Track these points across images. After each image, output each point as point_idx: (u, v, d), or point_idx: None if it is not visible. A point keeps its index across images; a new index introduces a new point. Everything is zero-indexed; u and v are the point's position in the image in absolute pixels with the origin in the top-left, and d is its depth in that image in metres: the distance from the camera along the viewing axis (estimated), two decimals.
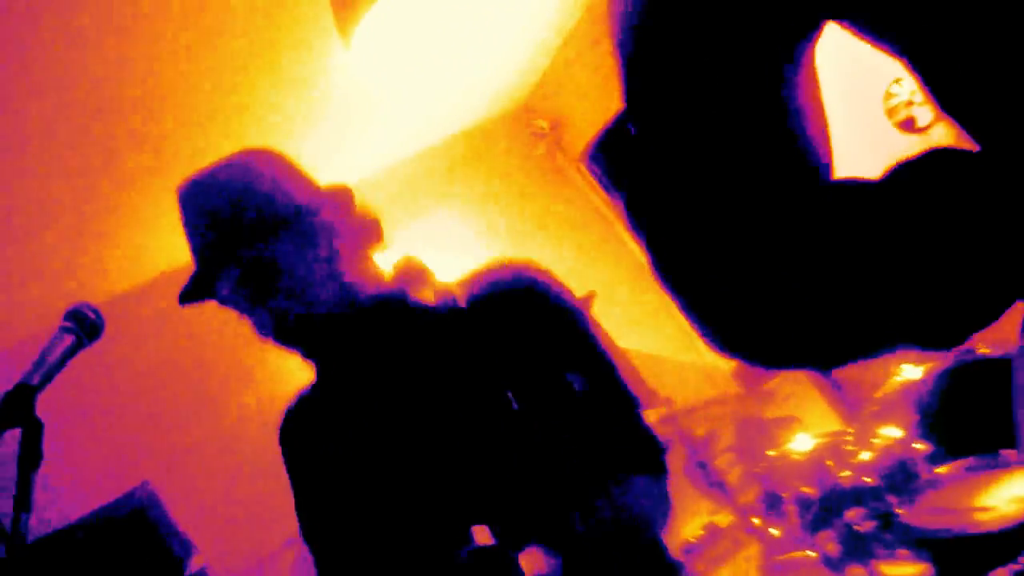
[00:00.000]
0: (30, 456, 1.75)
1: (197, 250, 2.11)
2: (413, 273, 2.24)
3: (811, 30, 1.04)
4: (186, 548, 4.32)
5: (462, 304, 2.16)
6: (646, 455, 2.11)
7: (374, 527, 2.10)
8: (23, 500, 1.70)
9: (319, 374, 2.22)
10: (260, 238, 2.07)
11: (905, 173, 1.04)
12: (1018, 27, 0.96)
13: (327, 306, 2.11)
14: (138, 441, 4.45)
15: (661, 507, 2.04)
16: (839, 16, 1.02)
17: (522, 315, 2.11)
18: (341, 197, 2.19)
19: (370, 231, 2.23)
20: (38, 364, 1.81)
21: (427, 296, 2.14)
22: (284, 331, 2.11)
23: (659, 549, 2.07)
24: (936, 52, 1.03)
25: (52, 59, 3.32)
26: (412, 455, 2.08)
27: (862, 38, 1.03)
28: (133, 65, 3.58)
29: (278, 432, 2.22)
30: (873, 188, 1.03)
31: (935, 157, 1.05)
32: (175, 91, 3.91)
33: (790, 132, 1.07)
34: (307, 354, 2.19)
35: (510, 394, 2.02)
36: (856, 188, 1.06)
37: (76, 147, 3.72)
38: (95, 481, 4.31)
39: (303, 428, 2.21)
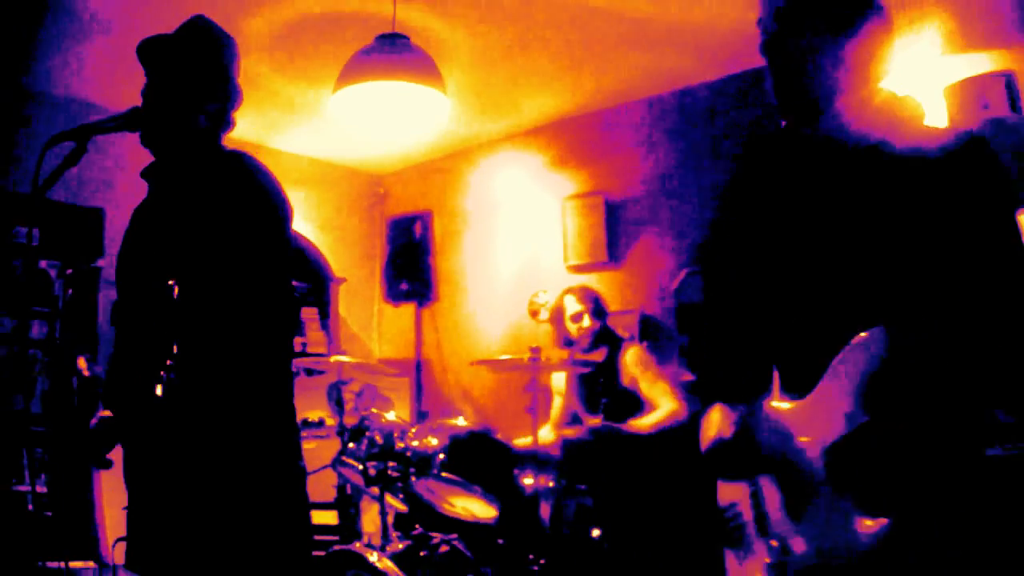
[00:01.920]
0: (71, 159, 2.02)
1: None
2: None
3: None
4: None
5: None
6: None
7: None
8: (50, 179, 2.01)
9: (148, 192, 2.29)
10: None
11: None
12: None
13: (184, 144, 2.18)
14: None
15: None
16: None
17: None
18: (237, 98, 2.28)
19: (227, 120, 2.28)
20: (103, 121, 2.11)
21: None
22: (148, 137, 2.18)
23: None
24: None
25: None
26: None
27: None
28: None
29: None
30: None
31: None
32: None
33: None
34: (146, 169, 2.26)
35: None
36: None
37: None
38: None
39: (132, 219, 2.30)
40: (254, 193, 2.11)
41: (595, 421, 4.24)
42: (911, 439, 1.44)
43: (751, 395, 1.70)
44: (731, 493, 1.74)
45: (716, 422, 1.74)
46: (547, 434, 4.44)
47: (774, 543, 1.60)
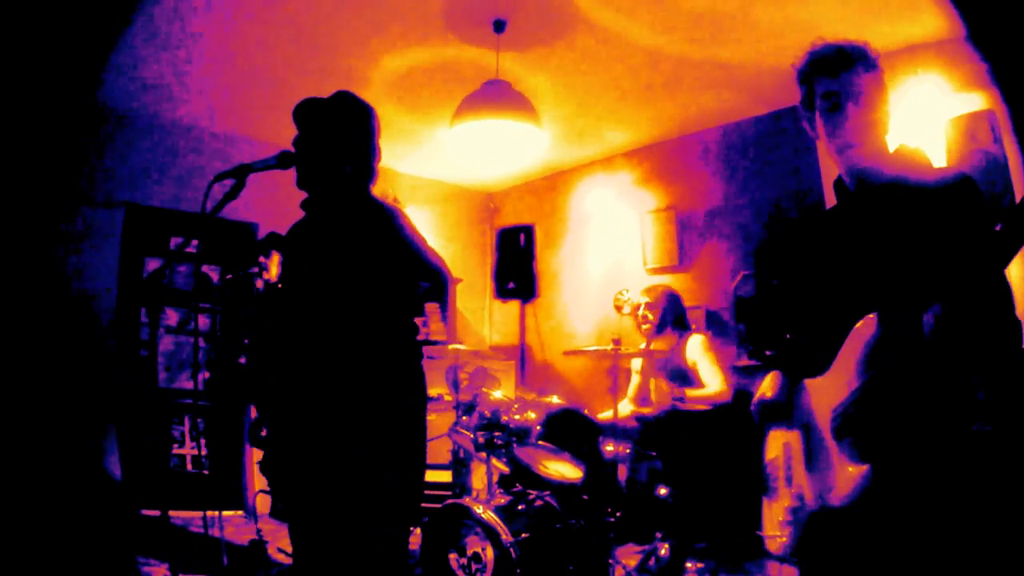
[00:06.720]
0: (232, 194, 2.01)
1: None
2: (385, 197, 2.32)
3: None
4: None
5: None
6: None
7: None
8: (217, 207, 2.02)
9: (304, 218, 2.32)
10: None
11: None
12: None
13: (336, 187, 2.22)
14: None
15: None
16: None
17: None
18: (378, 151, 2.32)
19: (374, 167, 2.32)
20: (259, 162, 2.09)
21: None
22: (304, 181, 2.23)
23: None
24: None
25: None
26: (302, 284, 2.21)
27: None
28: None
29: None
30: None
31: None
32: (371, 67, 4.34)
33: None
34: (304, 202, 2.28)
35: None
36: None
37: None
38: None
39: (287, 236, 2.34)
40: (392, 234, 2.20)
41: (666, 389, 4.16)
42: (895, 402, 1.48)
43: (799, 371, 1.77)
44: (771, 451, 1.84)
45: (767, 384, 1.84)
46: (625, 407, 4.34)
47: (794, 491, 1.68)
